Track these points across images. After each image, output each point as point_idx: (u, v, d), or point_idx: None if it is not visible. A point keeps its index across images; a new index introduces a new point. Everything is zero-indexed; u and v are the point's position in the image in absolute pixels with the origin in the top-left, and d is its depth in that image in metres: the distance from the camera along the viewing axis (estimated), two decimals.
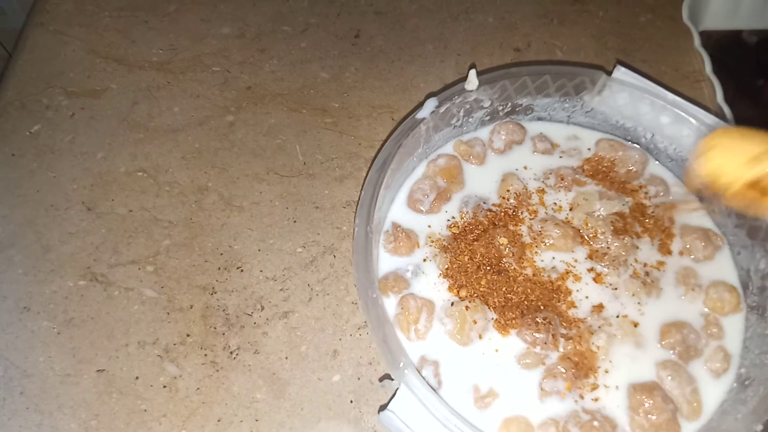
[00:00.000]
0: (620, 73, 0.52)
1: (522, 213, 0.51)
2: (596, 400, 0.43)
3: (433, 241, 0.50)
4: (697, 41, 0.65)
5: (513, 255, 0.48)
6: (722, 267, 0.50)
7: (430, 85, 0.64)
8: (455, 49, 0.67)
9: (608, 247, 0.49)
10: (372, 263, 0.42)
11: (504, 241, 0.48)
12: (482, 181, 0.53)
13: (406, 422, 0.37)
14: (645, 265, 0.49)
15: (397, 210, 0.51)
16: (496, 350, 0.45)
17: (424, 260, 0.49)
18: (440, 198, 0.51)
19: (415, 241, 0.49)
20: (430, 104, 0.49)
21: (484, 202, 0.51)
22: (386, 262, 0.49)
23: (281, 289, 0.52)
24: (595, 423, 0.42)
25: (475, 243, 0.48)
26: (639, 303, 0.47)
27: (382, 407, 0.38)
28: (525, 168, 0.54)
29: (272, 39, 0.67)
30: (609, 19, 0.71)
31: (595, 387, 0.44)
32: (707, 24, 0.69)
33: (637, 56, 0.67)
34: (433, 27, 0.69)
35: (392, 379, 0.40)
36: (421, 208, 0.51)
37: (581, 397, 0.43)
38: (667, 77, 0.65)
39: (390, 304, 0.46)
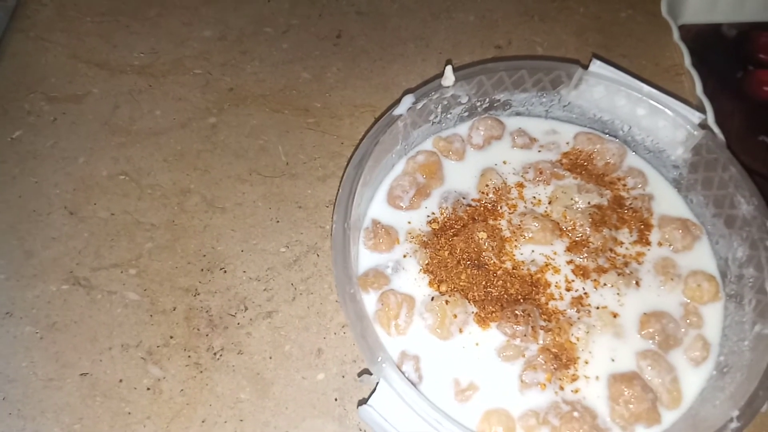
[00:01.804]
0: (596, 66, 0.53)
1: (501, 207, 0.51)
2: (576, 391, 0.44)
3: (413, 237, 0.50)
4: (676, 35, 0.66)
5: (493, 249, 0.48)
6: (701, 256, 0.50)
7: (412, 84, 0.65)
8: (437, 47, 0.68)
9: (587, 239, 0.49)
10: (350, 259, 0.42)
11: (483, 235, 0.48)
12: (461, 177, 0.53)
13: (386, 417, 0.37)
14: (624, 256, 0.50)
15: (377, 207, 0.51)
16: (477, 344, 0.45)
17: (404, 256, 0.49)
18: (420, 194, 0.51)
19: (395, 237, 0.49)
20: (407, 101, 0.50)
21: (464, 198, 0.52)
22: (366, 258, 0.49)
23: (265, 289, 0.52)
24: (575, 413, 0.42)
25: (455, 238, 0.49)
26: (618, 294, 0.47)
27: (362, 402, 0.38)
28: (504, 163, 0.54)
29: (254, 41, 0.67)
30: (589, 15, 0.71)
31: (575, 378, 0.44)
32: (686, 18, 0.70)
33: (618, 51, 0.68)
34: (414, 26, 0.69)
35: (371, 374, 0.40)
36: (401, 205, 0.51)
37: (561, 388, 0.44)
38: (647, 71, 0.66)
39: (370, 300, 0.46)
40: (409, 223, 0.51)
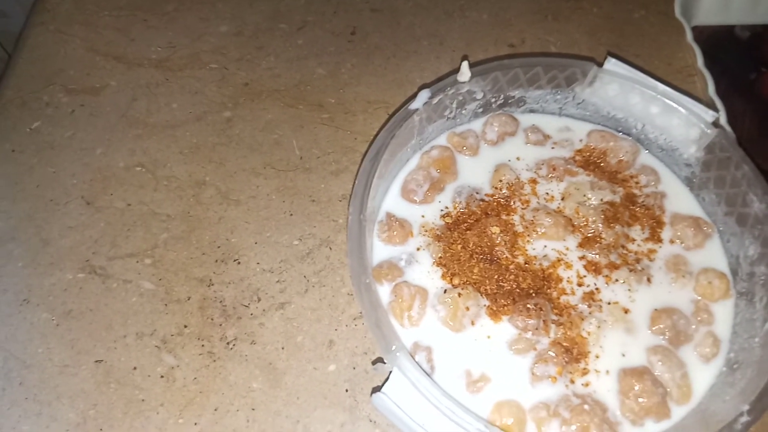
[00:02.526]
0: (611, 64, 0.53)
1: (514, 203, 0.52)
2: (587, 384, 0.44)
3: (426, 231, 0.50)
4: (689, 36, 0.66)
5: (505, 244, 0.48)
6: (712, 254, 0.50)
7: (426, 81, 0.65)
8: (450, 45, 0.68)
9: (599, 236, 0.50)
10: (365, 250, 0.42)
11: (496, 230, 0.49)
12: (475, 172, 0.53)
13: (399, 404, 0.38)
14: (636, 253, 0.50)
15: (391, 200, 0.52)
16: (488, 336, 0.46)
17: (418, 249, 0.49)
18: (434, 188, 0.52)
19: (408, 230, 0.50)
20: (423, 95, 0.50)
21: (477, 192, 0.52)
22: (380, 250, 0.49)
23: (278, 281, 0.53)
24: (586, 406, 0.42)
25: (468, 232, 0.49)
26: (629, 290, 0.48)
27: (375, 389, 0.39)
28: (517, 159, 0.55)
29: (269, 36, 0.68)
30: (602, 15, 0.71)
31: (585, 372, 0.44)
32: (699, 19, 0.70)
33: (631, 51, 0.68)
34: (428, 24, 0.70)
35: (385, 363, 0.40)
36: (415, 198, 0.51)
37: (572, 381, 0.44)
38: (660, 71, 0.66)
39: (384, 291, 0.47)
40: (423, 216, 0.51)
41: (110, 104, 0.62)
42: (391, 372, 0.39)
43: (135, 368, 0.49)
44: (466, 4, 0.72)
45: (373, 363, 0.48)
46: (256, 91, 0.64)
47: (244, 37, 0.68)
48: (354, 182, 0.47)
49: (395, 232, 0.49)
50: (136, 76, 0.64)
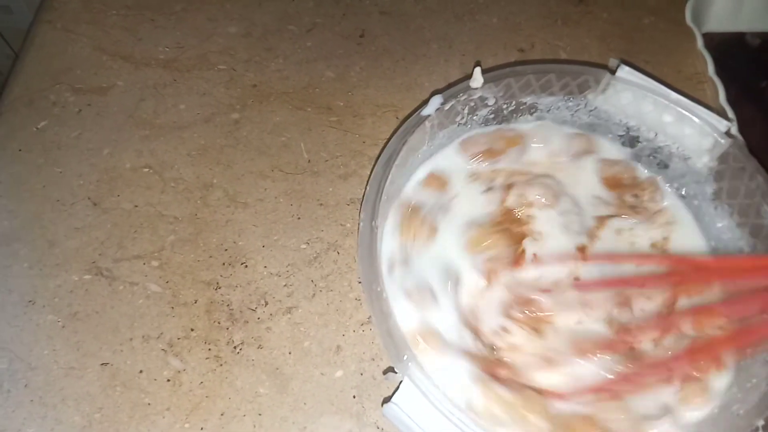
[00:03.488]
0: (624, 72, 0.52)
1: None
2: None
3: None
4: (700, 43, 0.65)
5: None
6: None
7: (435, 84, 0.65)
8: (459, 49, 0.68)
9: None
10: (376, 257, 0.42)
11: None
12: None
13: (410, 415, 0.38)
14: None
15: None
16: None
17: None
18: (489, 153, 0.53)
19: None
20: (435, 101, 0.50)
21: None
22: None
23: (285, 285, 0.52)
24: None
25: None
26: None
27: (386, 400, 0.38)
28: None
29: (278, 38, 0.68)
30: (612, 21, 0.71)
31: None
32: (710, 26, 0.69)
33: (640, 57, 0.67)
34: (437, 27, 0.69)
35: (396, 372, 0.40)
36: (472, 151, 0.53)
37: None
38: (670, 78, 0.65)
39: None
40: None
41: (117, 104, 0.62)
42: (401, 381, 0.39)
43: (141, 371, 0.48)
44: (476, 8, 0.71)
45: (384, 373, 0.48)
46: (265, 93, 0.64)
47: (252, 38, 0.67)
48: (365, 188, 0.46)
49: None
50: (143, 76, 0.64)
